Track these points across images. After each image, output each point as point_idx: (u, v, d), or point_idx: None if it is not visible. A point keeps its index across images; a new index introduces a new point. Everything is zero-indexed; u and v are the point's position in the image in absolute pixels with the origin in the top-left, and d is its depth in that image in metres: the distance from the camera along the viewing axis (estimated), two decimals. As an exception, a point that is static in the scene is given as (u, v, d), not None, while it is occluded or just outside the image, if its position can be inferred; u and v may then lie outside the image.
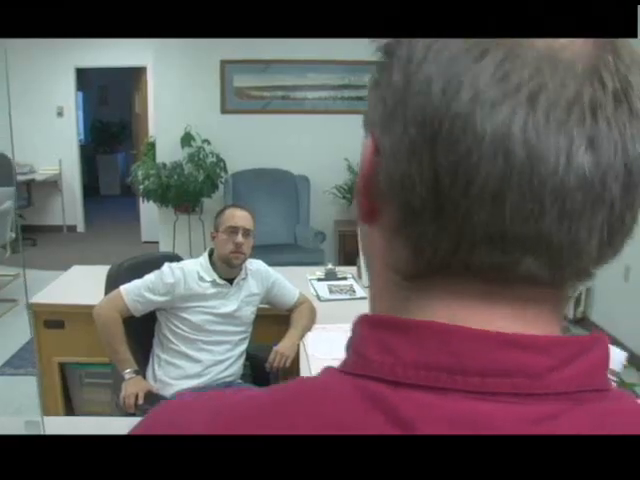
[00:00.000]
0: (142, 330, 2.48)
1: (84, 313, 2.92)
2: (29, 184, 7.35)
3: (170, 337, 2.42)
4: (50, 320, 2.98)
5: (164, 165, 5.36)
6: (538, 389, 0.40)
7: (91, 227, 8.12)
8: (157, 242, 6.42)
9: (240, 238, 2.41)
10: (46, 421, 0.88)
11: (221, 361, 2.43)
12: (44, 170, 7.48)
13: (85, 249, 7.03)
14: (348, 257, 5.17)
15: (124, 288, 2.34)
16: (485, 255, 0.40)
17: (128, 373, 2.31)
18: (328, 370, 0.44)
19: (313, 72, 5.68)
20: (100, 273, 3.59)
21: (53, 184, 7.66)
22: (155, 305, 2.38)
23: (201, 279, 2.42)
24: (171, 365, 2.41)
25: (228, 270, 2.46)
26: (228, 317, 2.45)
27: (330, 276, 3.31)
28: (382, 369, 0.41)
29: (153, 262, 2.56)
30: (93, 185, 9.95)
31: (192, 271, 2.41)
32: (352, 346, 0.45)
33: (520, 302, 0.42)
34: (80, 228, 7.96)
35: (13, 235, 5.41)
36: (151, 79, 7.32)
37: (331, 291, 3.11)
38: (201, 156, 5.39)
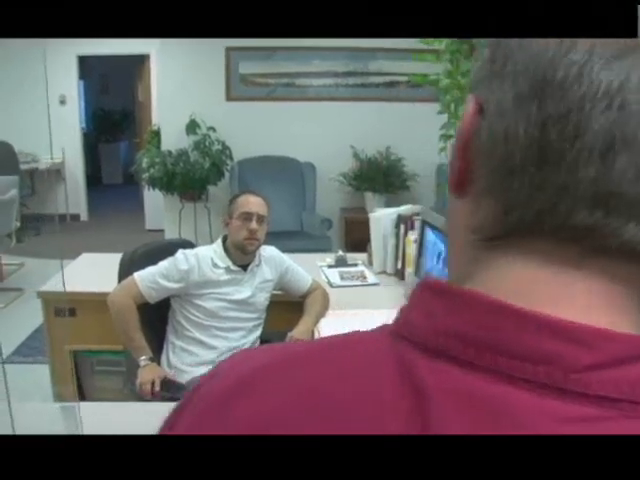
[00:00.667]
0: (156, 317, 2.48)
1: (95, 301, 2.93)
2: (32, 173, 7.32)
3: (184, 324, 2.42)
4: (61, 308, 2.97)
5: (170, 153, 5.34)
6: (573, 386, 0.36)
7: (94, 216, 8.11)
8: (162, 230, 6.41)
9: (254, 224, 2.39)
10: (81, 407, 0.88)
11: (235, 347, 2.42)
12: (47, 159, 7.45)
13: (89, 238, 7.01)
14: (354, 244, 5.15)
15: (138, 275, 2.33)
16: (585, 216, 0.37)
17: (143, 360, 2.30)
18: (381, 327, 0.45)
19: (318, 59, 5.65)
20: (110, 261, 3.58)
21: (56, 173, 7.63)
22: (169, 292, 2.38)
23: (215, 265, 2.41)
24: (185, 352, 2.41)
25: (242, 256, 2.45)
26: (242, 304, 2.45)
27: (340, 263, 3.30)
28: (418, 332, 0.41)
29: (166, 249, 2.54)
30: (95, 174, 9.93)
31: (206, 257, 2.40)
32: (404, 306, 0.45)
33: (606, 278, 0.39)
34: (84, 217, 7.95)
35: (18, 224, 5.40)
36: (154, 67, 7.30)
37: (342, 277, 3.10)
38: (207, 143, 5.37)
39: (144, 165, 5.51)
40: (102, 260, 3.55)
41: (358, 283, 3.06)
